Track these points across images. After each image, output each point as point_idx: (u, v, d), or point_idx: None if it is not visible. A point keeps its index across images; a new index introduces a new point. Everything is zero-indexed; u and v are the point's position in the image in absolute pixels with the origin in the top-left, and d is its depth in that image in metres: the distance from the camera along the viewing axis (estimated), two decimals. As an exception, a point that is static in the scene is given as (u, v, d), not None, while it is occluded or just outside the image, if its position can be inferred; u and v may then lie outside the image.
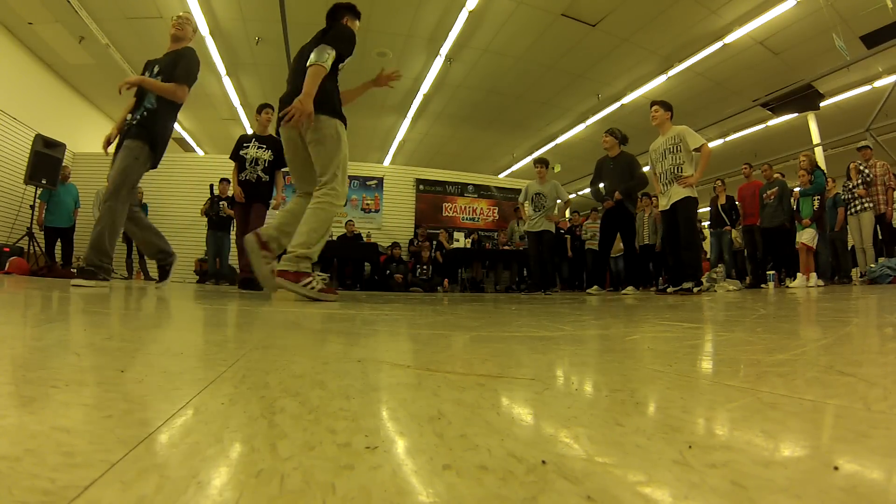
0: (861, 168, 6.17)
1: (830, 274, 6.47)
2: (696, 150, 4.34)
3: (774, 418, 0.41)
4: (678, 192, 4.38)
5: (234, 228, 7.34)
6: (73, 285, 2.86)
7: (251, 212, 4.35)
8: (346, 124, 2.60)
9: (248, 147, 4.44)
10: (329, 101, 2.52)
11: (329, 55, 2.46)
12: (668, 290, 5.06)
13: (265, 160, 4.40)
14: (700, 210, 11.38)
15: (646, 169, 4.99)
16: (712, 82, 8.50)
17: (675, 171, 4.40)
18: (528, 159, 12.57)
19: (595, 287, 5.41)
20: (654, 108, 4.59)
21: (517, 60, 8.08)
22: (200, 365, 0.64)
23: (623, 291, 5.21)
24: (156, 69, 3.48)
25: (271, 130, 4.55)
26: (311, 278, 2.39)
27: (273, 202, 4.55)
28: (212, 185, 6.61)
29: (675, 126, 4.52)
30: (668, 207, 4.51)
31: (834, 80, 7.98)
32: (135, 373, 0.56)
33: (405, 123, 10.57)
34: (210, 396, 0.46)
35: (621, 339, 1.07)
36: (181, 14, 3.83)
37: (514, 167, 13.17)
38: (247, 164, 4.38)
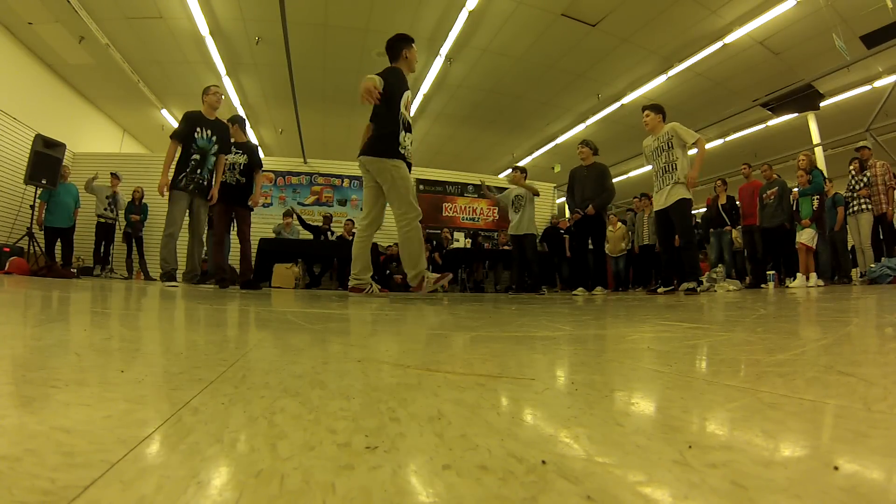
0: (864, 167, 6.17)
1: (830, 274, 6.47)
2: (693, 144, 4.34)
3: (774, 418, 0.41)
4: (673, 195, 4.39)
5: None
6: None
7: (234, 215, 4.76)
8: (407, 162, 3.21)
9: None
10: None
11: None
12: (659, 290, 5.08)
13: (241, 164, 4.71)
14: (699, 210, 11.36)
15: (645, 169, 5.06)
16: (712, 82, 8.50)
17: (671, 168, 4.40)
18: (529, 159, 12.58)
19: (580, 289, 5.38)
20: (646, 112, 4.62)
21: (517, 60, 8.08)
22: (200, 365, 0.64)
23: (594, 291, 5.35)
24: (212, 137, 4.37)
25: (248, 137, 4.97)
26: (370, 286, 3.18)
27: (251, 201, 4.80)
28: None
29: (665, 124, 4.52)
30: (662, 208, 4.53)
31: (834, 80, 7.98)
32: (135, 373, 0.56)
33: (405, 123, 10.56)
34: (210, 396, 0.46)
35: (621, 340, 1.07)
36: (216, 86, 4.60)
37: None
38: (225, 169, 4.65)
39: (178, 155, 4.26)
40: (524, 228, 5.91)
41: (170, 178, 4.17)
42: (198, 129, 4.31)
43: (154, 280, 7.21)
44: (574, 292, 5.26)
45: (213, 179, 4.47)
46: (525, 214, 5.93)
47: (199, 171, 4.32)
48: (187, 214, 4.38)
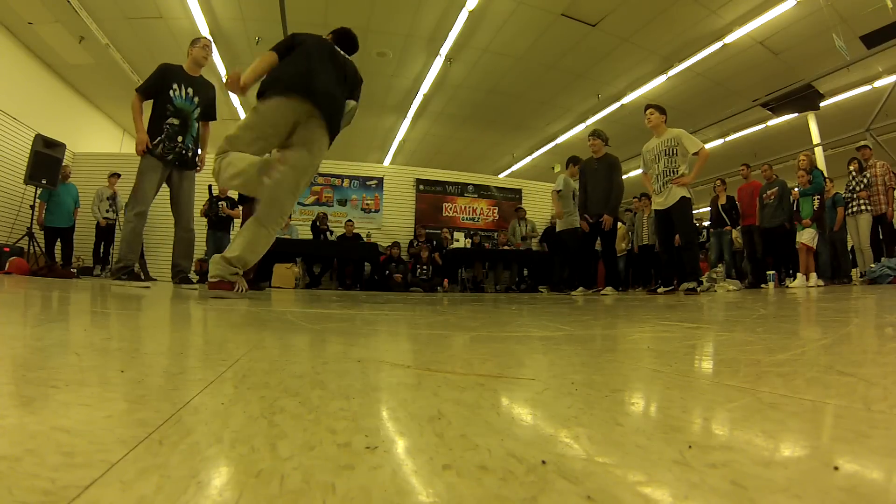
0: (863, 168, 6.17)
1: (830, 274, 6.47)
2: (695, 153, 4.36)
3: (774, 418, 0.41)
4: (674, 194, 4.41)
5: (237, 227, 7.38)
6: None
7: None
8: None
9: None
10: None
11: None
12: (659, 290, 5.06)
13: None
14: (700, 210, 11.29)
15: (639, 171, 4.99)
16: (712, 82, 8.50)
17: (671, 173, 4.42)
18: (529, 159, 12.57)
19: (581, 288, 5.28)
20: (650, 111, 4.63)
21: (517, 60, 8.08)
22: (200, 365, 0.64)
23: (602, 292, 5.10)
24: (194, 97, 3.57)
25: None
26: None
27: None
28: (210, 186, 6.60)
29: (670, 129, 4.54)
30: (663, 208, 4.53)
31: (834, 80, 7.98)
32: (135, 373, 0.56)
33: (405, 123, 10.57)
34: (210, 396, 0.46)
35: (621, 339, 1.07)
36: (207, 39, 3.77)
37: (514, 167, 13.17)
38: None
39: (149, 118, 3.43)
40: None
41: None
42: (174, 86, 3.43)
43: (155, 280, 7.22)
44: (573, 292, 5.19)
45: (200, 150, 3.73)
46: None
47: (179, 138, 3.46)
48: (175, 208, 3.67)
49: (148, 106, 3.45)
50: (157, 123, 3.39)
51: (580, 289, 5.19)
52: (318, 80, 2.38)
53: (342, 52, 2.73)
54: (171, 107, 3.43)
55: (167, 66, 3.51)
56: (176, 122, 3.45)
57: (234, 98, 9.33)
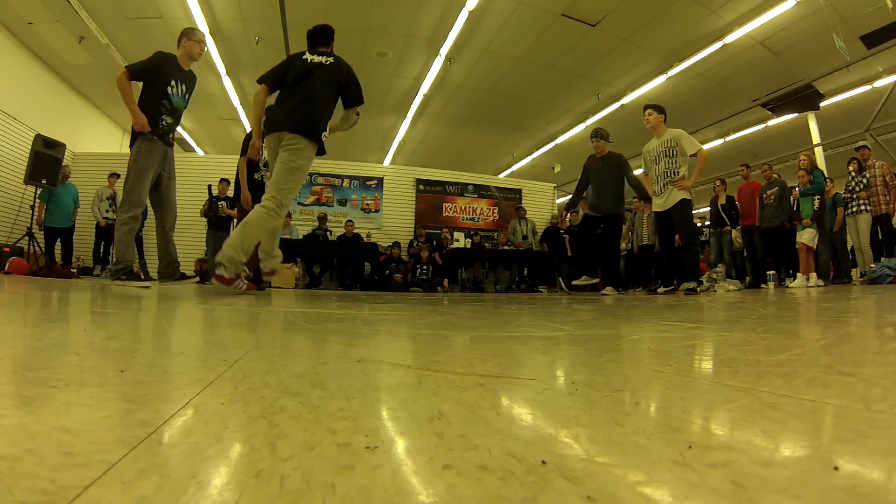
0: (863, 168, 6.17)
1: (830, 274, 6.46)
2: (693, 155, 4.36)
3: (774, 418, 0.41)
4: (674, 196, 4.41)
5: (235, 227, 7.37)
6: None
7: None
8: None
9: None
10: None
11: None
12: (659, 290, 5.04)
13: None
14: (700, 210, 11.24)
15: (639, 171, 4.95)
16: (712, 82, 8.50)
17: (671, 174, 4.42)
18: (529, 159, 12.58)
19: (584, 277, 5.14)
20: (648, 111, 4.62)
21: (517, 60, 8.08)
22: (200, 365, 0.64)
23: (602, 292, 4.96)
24: (186, 93, 3.57)
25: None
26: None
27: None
28: (210, 186, 6.61)
29: (670, 129, 4.54)
30: (663, 209, 4.52)
31: (834, 80, 7.98)
32: (135, 373, 0.56)
33: (405, 123, 10.57)
34: (210, 396, 0.46)
35: (621, 339, 1.07)
36: (202, 33, 3.67)
37: (514, 167, 13.18)
38: (260, 166, 4.35)
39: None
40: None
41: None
42: (172, 82, 3.34)
43: (154, 280, 7.21)
44: (575, 282, 5.08)
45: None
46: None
47: (171, 135, 3.45)
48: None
49: (136, 90, 3.33)
50: (153, 117, 3.24)
51: (584, 277, 5.08)
52: (293, 112, 2.83)
53: (319, 57, 2.97)
54: (168, 104, 3.33)
55: (164, 55, 3.36)
56: (170, 120, 3.38)
57: (235, 98, 9.33)
